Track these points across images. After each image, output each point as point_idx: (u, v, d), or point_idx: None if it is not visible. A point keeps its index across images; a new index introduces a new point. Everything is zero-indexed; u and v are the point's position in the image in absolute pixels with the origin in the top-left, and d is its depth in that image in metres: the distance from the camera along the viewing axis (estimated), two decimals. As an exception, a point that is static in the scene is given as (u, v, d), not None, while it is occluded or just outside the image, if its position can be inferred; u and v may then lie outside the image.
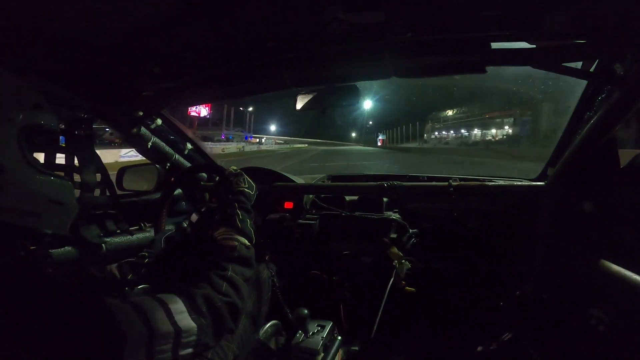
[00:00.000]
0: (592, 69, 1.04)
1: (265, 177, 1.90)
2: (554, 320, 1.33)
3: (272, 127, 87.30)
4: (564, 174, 1.29)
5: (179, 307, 0.62)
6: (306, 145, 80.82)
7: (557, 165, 1.33)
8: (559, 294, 1.31)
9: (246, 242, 0.88)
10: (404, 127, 62.74)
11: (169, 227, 1.38)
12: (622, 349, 1.01)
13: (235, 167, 1.18)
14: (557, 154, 1.37)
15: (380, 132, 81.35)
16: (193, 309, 0.64)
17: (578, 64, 1.03)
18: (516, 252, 1.58)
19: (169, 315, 0.60)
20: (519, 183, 1.52)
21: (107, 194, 1.48)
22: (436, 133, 50.23)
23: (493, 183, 1.51)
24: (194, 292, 0.68)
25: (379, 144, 77.19)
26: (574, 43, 0.94)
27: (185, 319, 0.62)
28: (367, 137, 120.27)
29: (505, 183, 1.55)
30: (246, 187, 1.07)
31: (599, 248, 1.14)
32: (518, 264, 1.55)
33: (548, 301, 1.36)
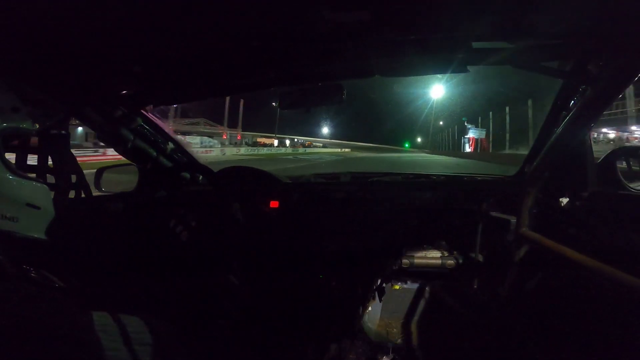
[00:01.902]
0: (567, 69, 1.08)
1: (249, 176, 1.87)
2: (536, 316, 1.37)
3: (324, 129, 74.43)
4: (541, 170, 1.34)
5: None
6: (347, 150, 64.10)
7: (534, 163, 1.37)
8: (538, 289, 1.36)
9: None
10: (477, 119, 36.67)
11: None
12: (614, 346, 1.04)
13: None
14: (535, 152, 1.42)
15: (471, 126, 38.74)
16: None
17: (555, 64, 1.07)
18: (495, 247, 1.62)
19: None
20: (498, 178, 1.57)
21: (83, 195, 1.43)
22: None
23: (473, 179, 1.55)
24: None
25: (468, 149, 39.12)
26: (552, 43, 0.97)
27: None
28: (434, 139, 79.27)
29: (484, 178, 1.60)
30: (230, 197, 1.06)
31: (576, 244, 1.18)
32: (498, 260, 1.59)
33: (528, 297, 1.40)
